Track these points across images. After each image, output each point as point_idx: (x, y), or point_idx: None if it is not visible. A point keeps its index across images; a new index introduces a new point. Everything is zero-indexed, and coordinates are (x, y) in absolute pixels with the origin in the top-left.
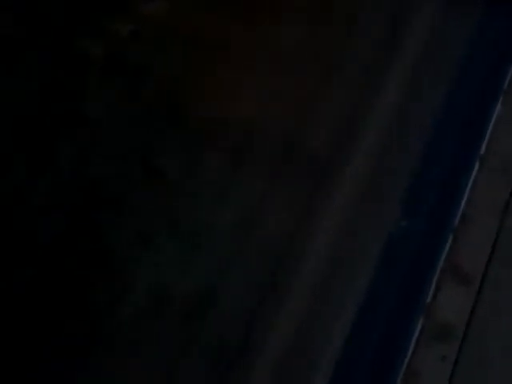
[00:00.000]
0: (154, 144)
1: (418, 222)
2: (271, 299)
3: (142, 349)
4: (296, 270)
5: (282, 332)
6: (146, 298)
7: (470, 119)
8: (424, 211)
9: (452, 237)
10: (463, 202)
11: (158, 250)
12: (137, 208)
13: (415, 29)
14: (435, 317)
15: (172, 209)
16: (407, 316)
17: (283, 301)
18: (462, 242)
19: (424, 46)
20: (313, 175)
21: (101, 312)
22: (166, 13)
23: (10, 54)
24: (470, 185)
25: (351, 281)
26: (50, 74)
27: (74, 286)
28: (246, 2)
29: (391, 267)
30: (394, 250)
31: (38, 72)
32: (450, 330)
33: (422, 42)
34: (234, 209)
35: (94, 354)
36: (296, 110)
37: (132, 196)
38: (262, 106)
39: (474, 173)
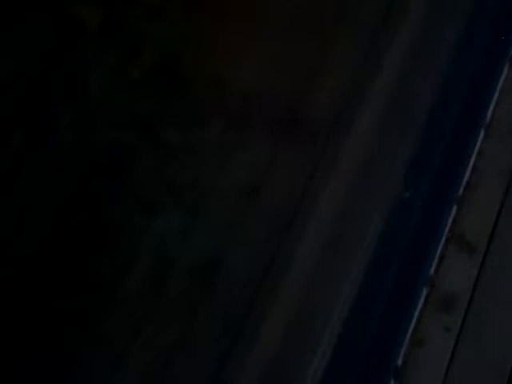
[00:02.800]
0: (156, 110)
1: (422, 192)
2: (274, 266)
3: (148, 318)
4: (299, 238)
5: (285, 299)
6: (150, 267)
7: (474, 87)
8: (428, 181)
9: (457, 206)
10: (468, 171)
11: (161, 218)
12: (139, 175)
13: None
14: (440, 287)
15: (174, 175)
16: (412, 286)
17: (286, 268)
18: (467, 211)
19: (428, 11)
20: (316, 141)
21: (107, 280)
22: None
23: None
24: (475, 153)
25: (355, 251)
26: (48, 41)
27: (78, 254)
28: None
29: (395, 238)
30: (398, 221)
31: (33, 39)
32: (455, 301)
33: (425, 8)
34: (237, 175)
35: (101, 323)
36: (298, 74)
37: (134, 162)
38: (264, 71)
39: (479, 141)
